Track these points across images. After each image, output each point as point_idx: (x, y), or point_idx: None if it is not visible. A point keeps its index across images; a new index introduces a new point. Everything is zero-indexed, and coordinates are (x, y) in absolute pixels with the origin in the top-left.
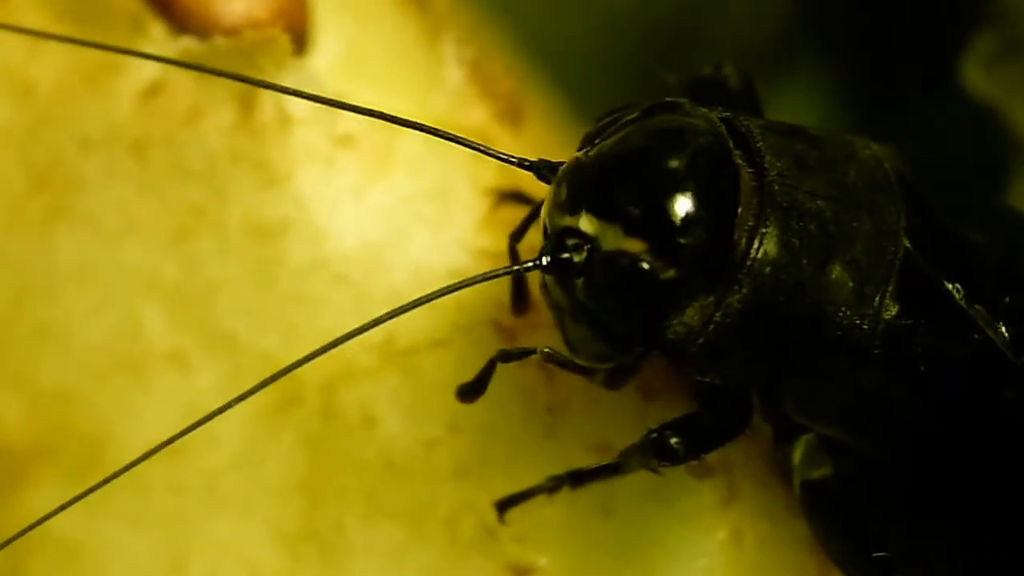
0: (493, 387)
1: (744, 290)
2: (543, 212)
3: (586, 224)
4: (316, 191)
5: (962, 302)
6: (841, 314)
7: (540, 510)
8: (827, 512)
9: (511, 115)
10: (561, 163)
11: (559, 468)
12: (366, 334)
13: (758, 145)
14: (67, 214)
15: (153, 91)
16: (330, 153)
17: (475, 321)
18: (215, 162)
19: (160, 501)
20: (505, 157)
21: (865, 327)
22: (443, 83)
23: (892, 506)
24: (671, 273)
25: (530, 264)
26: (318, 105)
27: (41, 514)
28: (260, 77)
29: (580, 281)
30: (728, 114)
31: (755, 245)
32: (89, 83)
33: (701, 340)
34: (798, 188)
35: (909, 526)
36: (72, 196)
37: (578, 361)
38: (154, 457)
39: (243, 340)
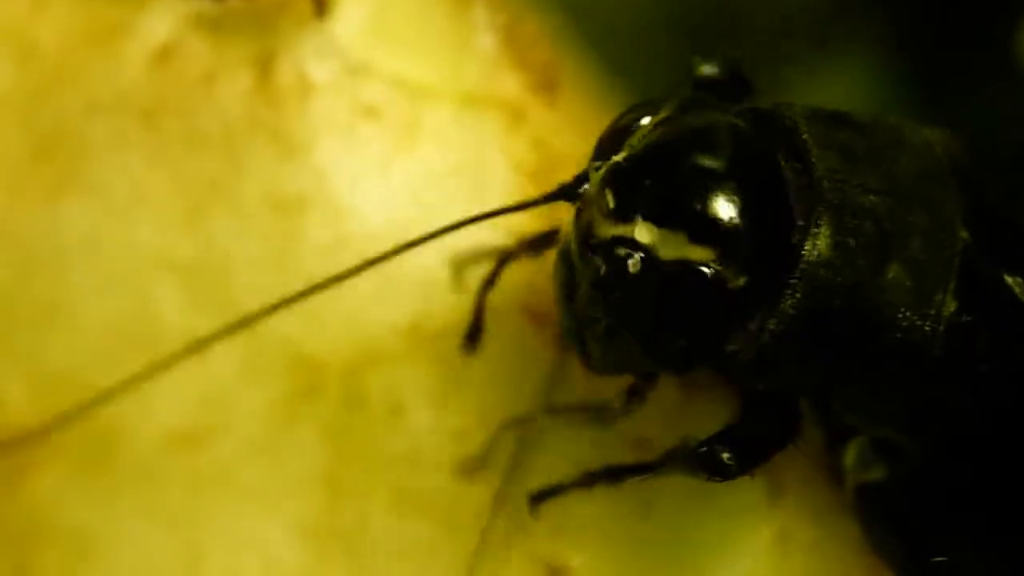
0: (521, 376)
1: (798, 295)
2: (574, 224)
3: (642, 233)
4: (338, 164)
5: (1023, 296)
6: (900, 315)
7: (575, 506)
8: (882, 515)
9: (546, 85)
10: (585, 173)
11: (596, 463)
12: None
13: (804, 138)
14: (74, 185)
15: (165, 54)
16: (353, 123)
17: (506, 306)
18: (231, 131)
19: (175, 493)
20: (533, 201)
21: (926, 328)
22: (474, 51)
23: (949, 509)
24: (741, 281)
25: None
26: (340, 71)
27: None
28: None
29: (630, 294)
30: (769, 106)
31: (808, 247)
32: (97, 45)
33: (753, 349)
34: (848, 183)
35: (966, 529)
36: (79, 166)
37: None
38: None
39: (262, 323)
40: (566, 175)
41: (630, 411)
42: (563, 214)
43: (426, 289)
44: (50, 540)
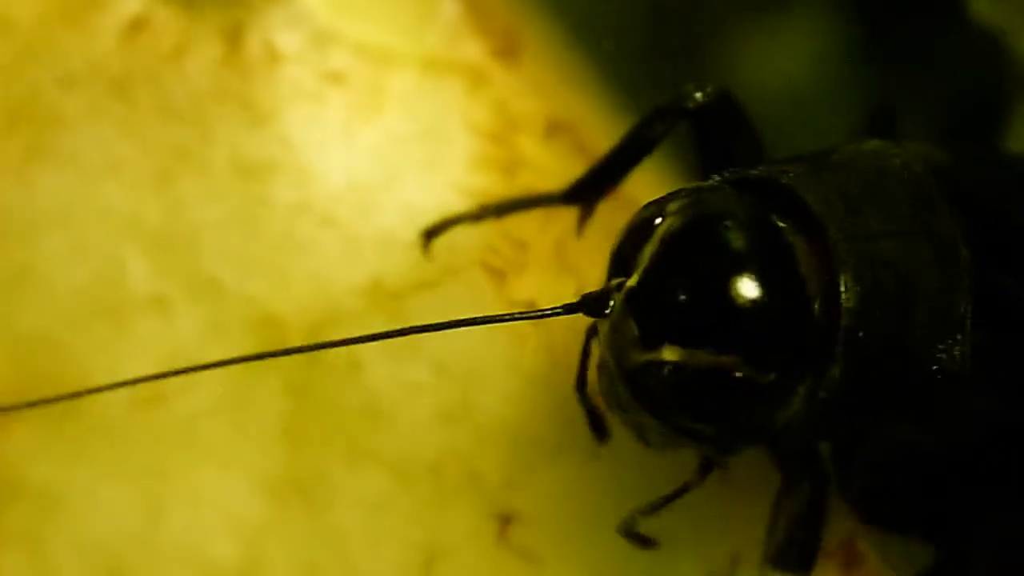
0: (481, 331)
1: (842, 360)
2: (606, 344)
3: (669, 354)
4: (304, 130)
5: None
6: (932, 349)
7: (526, 456)
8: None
9: (507, 50)
10: (607, 292)
11: (546, 411)
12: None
13: (806, 201)
14: (46, 154)
15: (136, 27)
16: (319, 90)
17: (464, 263)
18: (200, 100)
19: (139, 450)
20: (551, 312)
21: (955, 353)
22: (437, 17)
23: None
24: (771, 377)
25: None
26: (307, 40)
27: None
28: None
29: (668, 405)
30: (762, 171)
31: (841, 315)
32: (70, 18)
33: (803, 418)
34: (858, 237)
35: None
36: (51, 136)
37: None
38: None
39: (227, 284)
40: (526, 137)
41: (704, 480)
42: (526, 172)
43: (386, 248)
44: (16, 497)
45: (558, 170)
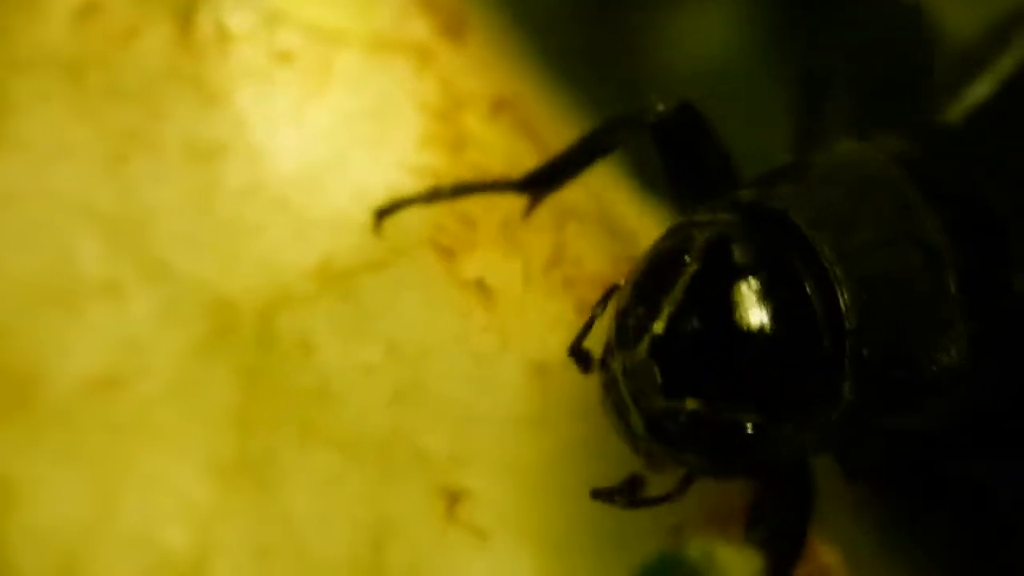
0: (429, 310)
1: (850, 382)
2: (623, 378)
3: (691, 404)
4: (255, 111)
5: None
6: (933, 352)
7: (473, 435)
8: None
9: (453, 28)
10: (637, 317)
11: (494, 388)
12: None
13: (802, 228)
14: None
15: (88, 10)
16: (269, 70)
17: (414, 242)
18: (152, 82)
19: (92, 436)
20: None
21: (953, 352)
22: None
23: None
24: (787, 428)
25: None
26: (257, 20)
27: None
28: None
29: (684, 446)
30: (754, 195)
31: (846, 337)
32: (21, 3)
33: (816, 440)
34: (854, 255)
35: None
36: (2, 121)
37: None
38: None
39: (179, 267)
40: (472, 115)
41: (684, 493)
42: (472, 149)
43: (336, 230)
44: None
45: (504, 147)
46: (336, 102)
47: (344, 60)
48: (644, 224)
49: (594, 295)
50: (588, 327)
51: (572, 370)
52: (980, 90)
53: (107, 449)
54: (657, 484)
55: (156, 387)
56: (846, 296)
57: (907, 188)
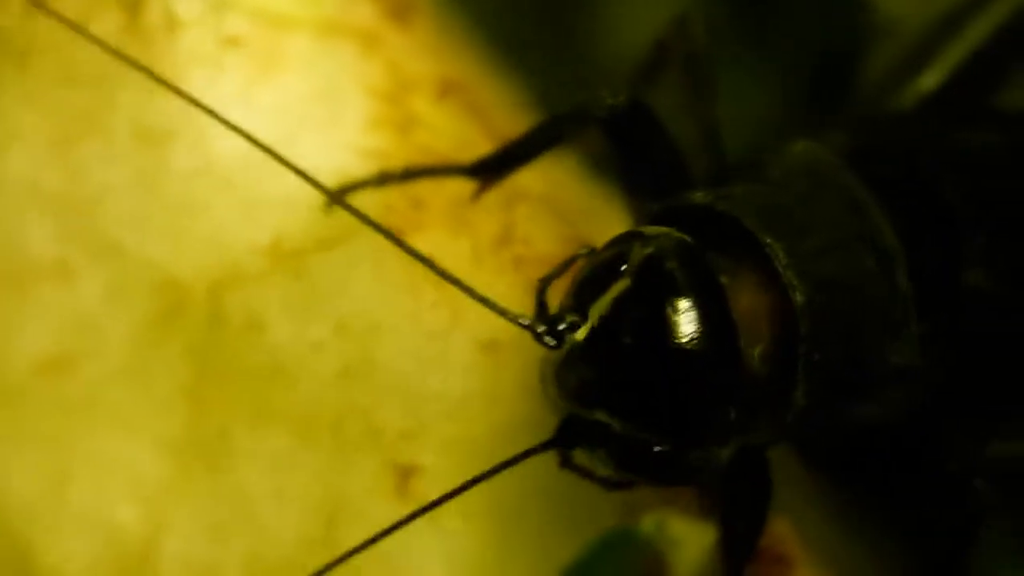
0: (379, 288)
1: (803, 386)
2: (548, 376)
3: (600, 415)
4: (203, 94)
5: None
6: (885, 351)
7: (423, 414)
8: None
9: (399, 14)
10: (569, 322)
11: (445, 364)
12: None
13: (751, 230)
14: None
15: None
16: (218, 55)
17: (365, 224)
18: (102, 68)
19: (44, 416)
20: (513, 317)
21: (906, 350)
22: None
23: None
24: (697, 452)
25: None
26: (205, 7)
27: None
28: None
29: (601, 451)
30: (709, 199)
31: (799, 342)
32: None
33: (773, 435)
34: (806, 260)
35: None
36: None
37: None
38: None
39: (129, 247)
40: (419, 98)
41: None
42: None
43: (286, 210)
44: None
45: (452, 129)
46: (284, 86)
47: (292, 45)
48: (593, 206)
49: (542, 274)
50: (545, 287)
51: (522, 347)
52: (930, 79)
53: (59, 429)
54: None
55: (107, 366)
56: (801, 302)
57: (859, 189)
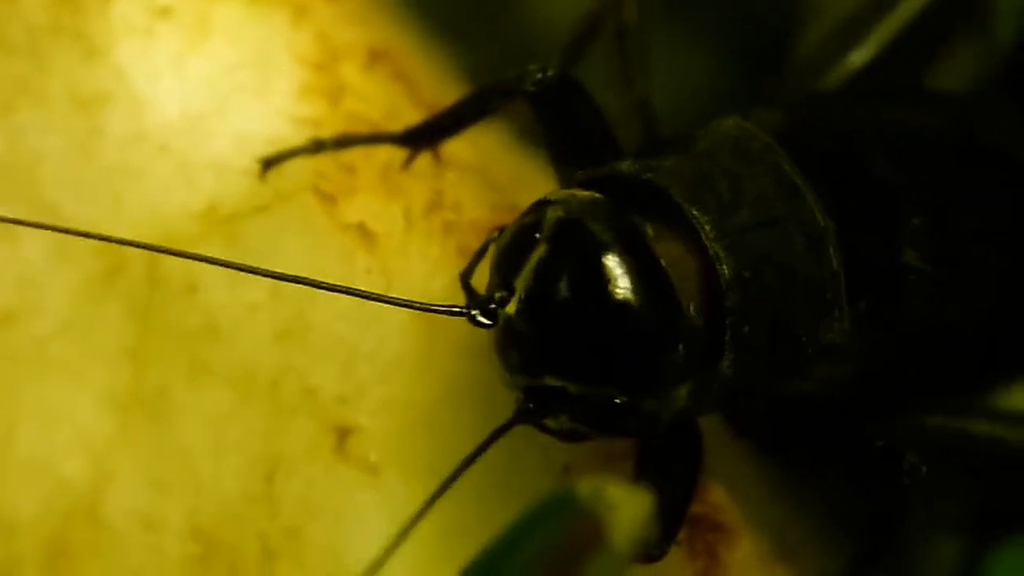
0: (312, 253)
1: (730, 356)
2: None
3: (551, 381)
4: (136, 62)
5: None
6: (814, 328)
7: (361, 372)
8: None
9: None
10: (498, 299)
11: (380, 327)
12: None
13: (679, 202)
14: None
15: None
16: (149, 24)
17: (296, 187)
18: (36, 36)
19: None
20: (445, 310)
21: (836, 329)
22: None
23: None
24: (648, 401)
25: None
26: None
27: None
28: None
29: (551, 412)
30: (633, 168)
31: (726, 314)
32: None
33: (699, 402)
34: (732, 235)
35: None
36: None
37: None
38: None
39: (68, 210)
40: (349, 66)
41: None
42: (350, 99)
43: (219, 175)
44: None
45: (381, 97)
46: (216, 54)
47: (222, 14)
48: (522, 173)
49: (474, 240)
50: (467, 279)
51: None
52: (859, 56)
53: (4, 381)
54: None
55: (51, 323)
56: (727, 275)
57: (790, 168)
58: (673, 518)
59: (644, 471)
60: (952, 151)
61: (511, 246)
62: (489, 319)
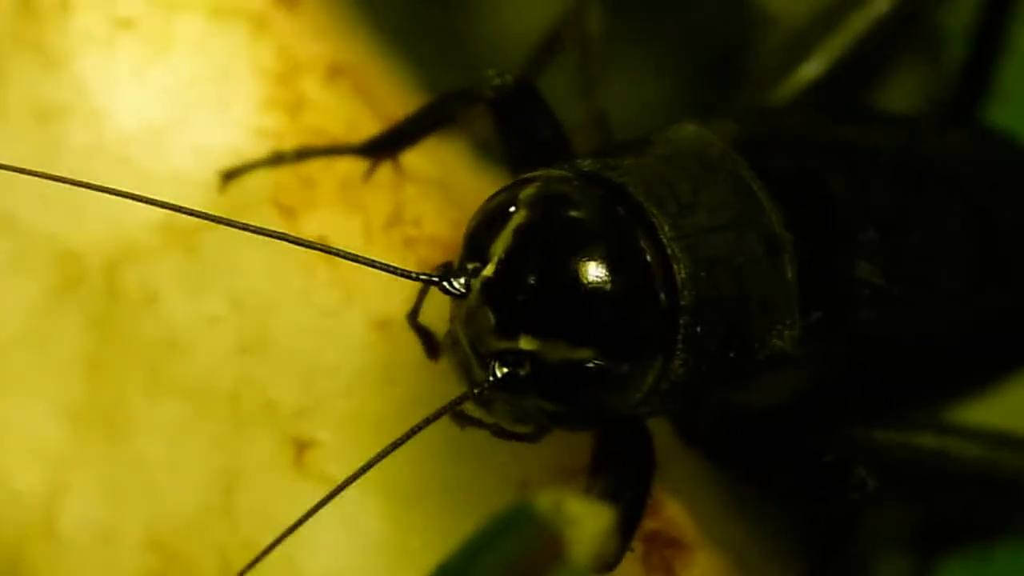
0: (272, 265)
1: (683, 355)
2: (460, 326)
3: (526, 344)
4: (96, 74)
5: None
6: (766, 335)
7: (319, 389)
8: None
9: None
10: (467, 271)
11: (340, 341)
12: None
13: (640, 202)
14: None
15: None
16: (110, 36)
17: (256, 200)
18: None
19: None
20: (417, 276)
21: (787, 335)
22: None
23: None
24: (624, 368)
25: (467, 395)
26: None
27: None
28: None
29: (526, 390)
30: (595, 167)
31: (680, 313)
32: None
33: (649, 400)
34: (692, 235)
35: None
36: None
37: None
38: None
39: (26, 221)
40: (309, 80)
41: (542, 436)
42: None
43: (179, 187)
44: None
45: (341, 111)
46: (177, 66)
47: (183, 26)
48: (481, 189)
49: (434, 255)
50: (418, 307)
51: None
52: (811, 69)
53: None
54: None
55: (7, 333)
56: (683, 274)
57: (748, 175)
58: (627, 525)
59: (597, 478)
60: (903, 169)
61: (486, 219)
62: (462, 287)
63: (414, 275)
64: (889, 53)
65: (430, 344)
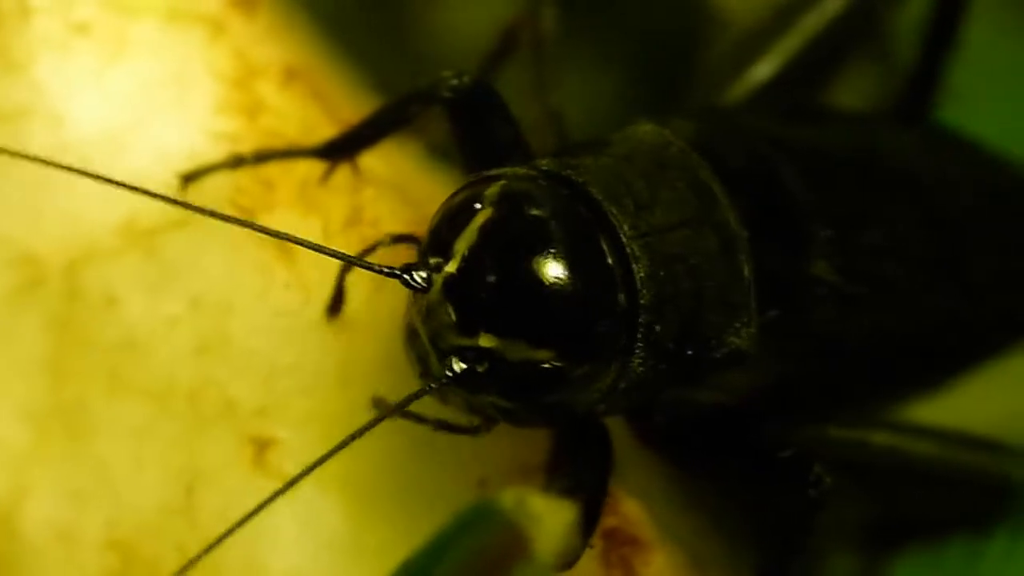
0: (231, 267)
1: (641, 354)
2: (421, 321)
3: (486, 341)
4: (55, 77)
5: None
6: (722, 332)
7: (280, 386)
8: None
9: (244, 2)
10: (429, 265)
11: (299, 341)
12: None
13: (599, 199)
14: None
15: None
16: (67, 40)
17: (215, 202)
18: None
19: None
20: (379, 269)
21: (743, 333)
22: None
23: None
24: (583, 369)
25: (429, 388)
26: None
27: None
28: None
29: (484, 388)
30: (554, 166)
31: (639, 312)
32: None
33: (608, 399)
34: (650, 234)
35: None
36: None
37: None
38: None
39: None
40: (265, 83)
41: (490, 430)
42: (267, 115)
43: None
44: None
45: (297, 114)
46: (134, 70)
47: (139, 31)
48: (437, 192)
49: (393, 257)
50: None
51: (374, 326)
52: (763, 70)
53: None
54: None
55: None
56: (642, 273)
57: (705, 174)
58: (586, 522)
59: (556, 475)
60: (858, 168)
61: (449, 215)
62: (424, 281)
63: (376, 268)
64: (842, 53)
65: (337, 300)
